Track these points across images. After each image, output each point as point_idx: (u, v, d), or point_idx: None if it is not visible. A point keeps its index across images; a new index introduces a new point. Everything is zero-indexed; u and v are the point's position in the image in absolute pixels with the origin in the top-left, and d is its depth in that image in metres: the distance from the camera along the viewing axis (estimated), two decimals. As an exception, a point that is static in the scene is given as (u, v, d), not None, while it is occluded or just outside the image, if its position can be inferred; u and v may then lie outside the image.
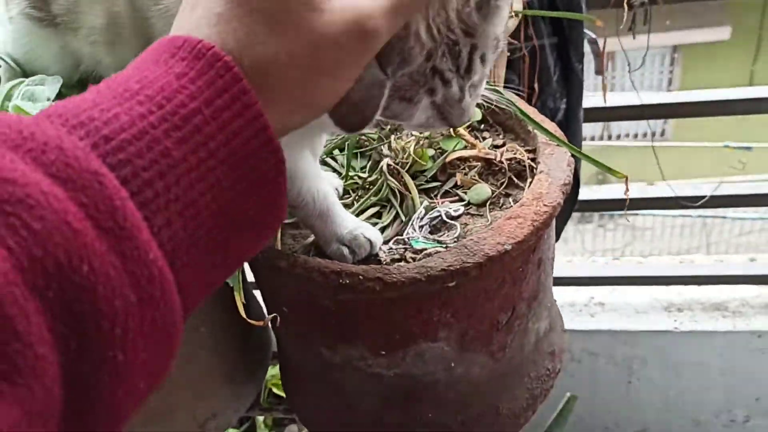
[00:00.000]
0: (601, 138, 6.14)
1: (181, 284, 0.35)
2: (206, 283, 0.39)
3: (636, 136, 6.82)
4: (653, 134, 6.44)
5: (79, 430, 0.32)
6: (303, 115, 0.42)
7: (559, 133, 0.80)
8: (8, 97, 0.71)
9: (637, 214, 4.86)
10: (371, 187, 0.83)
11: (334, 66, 0.40)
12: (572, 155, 0.78)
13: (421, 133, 0.85)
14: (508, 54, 1.09)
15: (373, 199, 0.82)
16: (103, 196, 0.32)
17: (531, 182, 0.77)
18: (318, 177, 0.71)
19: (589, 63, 1.32)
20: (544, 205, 0.70)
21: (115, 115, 0.34)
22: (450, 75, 0.52)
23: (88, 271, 0.30)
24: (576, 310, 1.57)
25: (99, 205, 0.31)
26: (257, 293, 0.91)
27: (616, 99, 1.38)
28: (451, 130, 0.85)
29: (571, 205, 1.30)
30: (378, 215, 0.81)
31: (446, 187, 0.82)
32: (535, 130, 0.82)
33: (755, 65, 6.68)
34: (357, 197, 0.83)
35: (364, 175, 0.85)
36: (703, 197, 1.35)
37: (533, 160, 0.81)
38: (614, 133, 6.73)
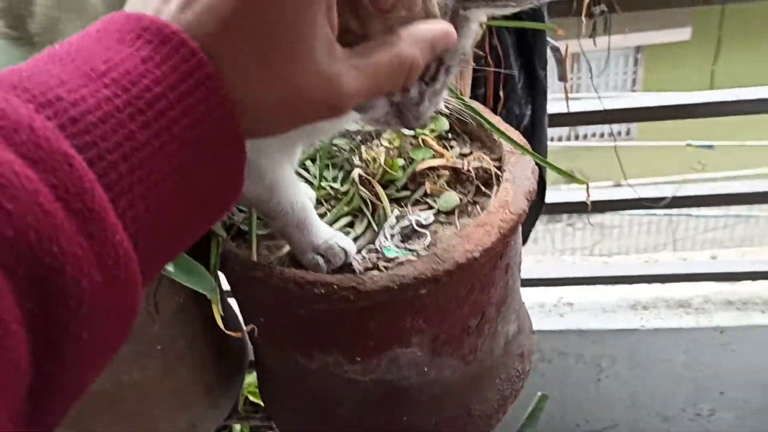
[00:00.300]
0: (569, 138, 6.23)
1: (141, 264, 0.36)
2: (162, 261, 0.40)
3: (603, 135, 6.92)
4: (618, 134, 6.55)
5: (39, 405, 0.33)
6: (270, 126, 0.43)
7: (523, 141, 0.83)
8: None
9: (603, 215, 4.95)
10: (343, 197, 0.85)
11: (303, 112, 0.42)
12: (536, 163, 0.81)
13: (380, 132, 0.88)
14: (474, 64, 1.11)
15: (346, 209, 0.84)
16: (73, 178, 0.32)
17: (497, 190, 0.80)
18: (296, 187, 0.73)
19: (552, 70, 1.35)
20: (510, 212, 0.73)
21: (82, 96, 0.34)
22: (411, 87, 0.54)
23: (57, 252, 0.31)
24: (545, 310, 1.60)
25: (69, 186, 0.32)
26: (232, 301, 0.93)
27: (580, 105, 1.41)
28: (421, 140, 0.87)
29: (537, 209, 1.33)
30: (350, 225, 0.83)
31: (416, 196, 0.84)
32: (500, 139, 0.85)
33: (715, 65, 6.83)
34: (330, 207, 0.85)
35: (336, 186, 0.87)
36: (666, 198, 1.39)
37: (499, 168, 0.84)
38: (581, 133, 6.84)
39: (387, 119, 0.57)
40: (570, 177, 0.77)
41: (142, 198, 0.35)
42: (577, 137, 6.67)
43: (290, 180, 0.72)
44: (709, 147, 3.93)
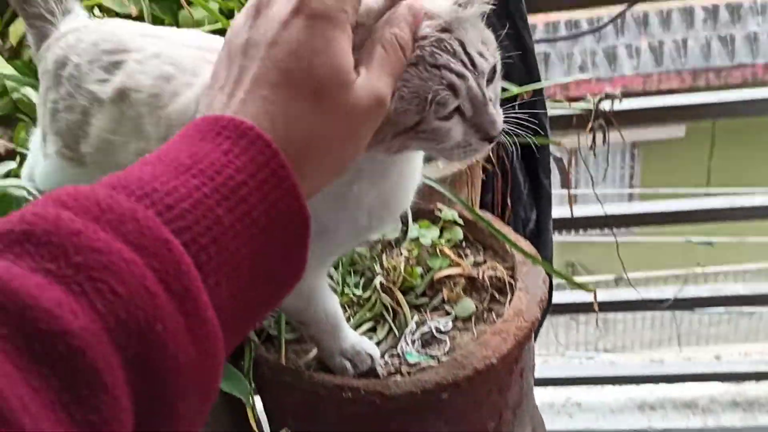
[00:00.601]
0: (570, 232, 6.31)
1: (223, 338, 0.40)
2: (237, 339, 0.44)
3: (604, 228, 7.00)
4: (620, 227, 6.64)
5: None
6: (330, 176, 0.50)
7: (533, 251, 0.90)
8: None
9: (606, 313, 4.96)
10: (365, 303, 0.91)
11: (360, 130, 0.49)
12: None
13: (399, 241, 0.94)
14: (483, 176, 1.19)
15: (368, 314, 0.89)
16: (173, 261, 0.37)
17: (511, 298, 0.86)
18: (330, 295, 0.78)
19: (556, 177, 1.44)
20: (524, 320, 0.79)
21: (174, 186, 0.39)
22: (456, 66, 0.54)
23: (161, 330, 0.35)
24: (555, 411, 1.62)
25: (169, 269, 0.36)
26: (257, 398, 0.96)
27: (583, 210, 1.48)
28: (438, 250, 0.93)
29: (545, 310, 1.38)
30: (373, 329, 0.88)
31: (434, 303, 0.90)
32: (512, 249, 0.91)
33: (711, 162, 7.00)
34: (353, 313, 0.91)
35: (359, 292, 0.93)
36: (668, 300, 1.44)
37: (512, 276, 0.90)
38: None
39: (467, 138, 0.58)
40: (579, 287, 0.83)
41: (226, 278, 0.40)
42: (578, 231, 6.77)
43: (325, 288, 0.77)
44: (709, 244, 4.01)
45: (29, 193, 0.88)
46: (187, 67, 0.72)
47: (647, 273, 5.26)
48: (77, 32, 0.82)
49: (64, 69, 0.79)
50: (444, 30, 0.55)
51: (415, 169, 0.70)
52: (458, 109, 0.56)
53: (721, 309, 4.69)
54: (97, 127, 0.77)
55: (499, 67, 0.59)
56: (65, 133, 0.80)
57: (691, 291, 1.52)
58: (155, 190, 0.39)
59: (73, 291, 0.34)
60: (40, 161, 0.87)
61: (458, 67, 0.54)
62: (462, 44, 0.55)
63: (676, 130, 6.99)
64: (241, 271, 0.41)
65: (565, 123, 1.39)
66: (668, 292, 1.50)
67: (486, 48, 0.57)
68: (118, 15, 1.20)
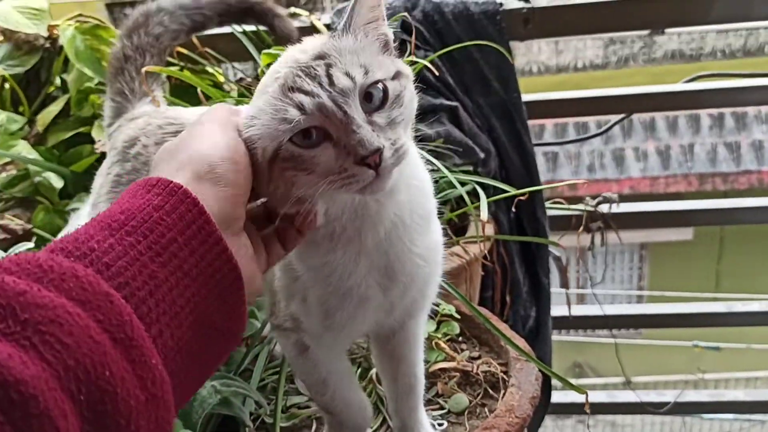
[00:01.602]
0: (575, 332, 6.25)
1: (172, 387, 0.43)
2: (188, 388, 0.48)
3: (611, 330, 6.91)
4: (626, 329, 6.57)
5: None
6: None
7: (527, 348, 0.91)
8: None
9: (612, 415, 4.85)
10: (364, 390, 0.92)
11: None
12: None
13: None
14: (482, 273, 1.23)
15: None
16: (115, 312, 0.40)
17: (504, 394, 0.87)
18: (352, 385, 0.79)
19: (555, 276, 1.46)
20: (516, 417, 0.80)
21: (110, 245, 0.43)
22: (308, 86, 0.55)
23: (109, 376, 0.38)
24: None
25: (112, 320, 0.40)
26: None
27: (583, 309, 1.50)
28: (434, 343, 0.96)
29: (543, 409, 1.38)
30: (367, 420, 0.89)
31: (429, 396, 0.91)
32: (507, 345, 0.93)
33: (719, 265, 7.00)
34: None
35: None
36: (668, 404, 1.44)
37: (505, 373, 0.91)
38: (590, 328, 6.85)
39: (341, 163, 0.55)
40: (572, 387, 0.84)
41: (167, 327, 0.44)
42: (585, 331, 6.70)
43: (346, 377, 0.78)
44: (716, 348, 3.97)
45: None
46: None
47: (655, 377, 5.17)
48: (147, 116, 0.90)
49: (132, 148, 0.87)
50: (318, 57, 0.57)
51: (415, 235, 0.68)
52: (327, 136, 0.55)
53: (729, 416, 4.59)
54: None
55: (393, 94, 0.58)
56: None
57: (692, 396, 1.51)
58: (92, 249, 0.43)
59: (22, 345, 0.37)
60: (87, 209, 0.93)
61: (310, 87, 0.55)
62: (328, 67, 0.56)
63: (684, 233, 7.02)
64: (182, 320, 0.45)
65: (564, 224, 1.43)
66: (669, 395, 1.49)
67: (362, 70, 0.56)
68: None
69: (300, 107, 0.54)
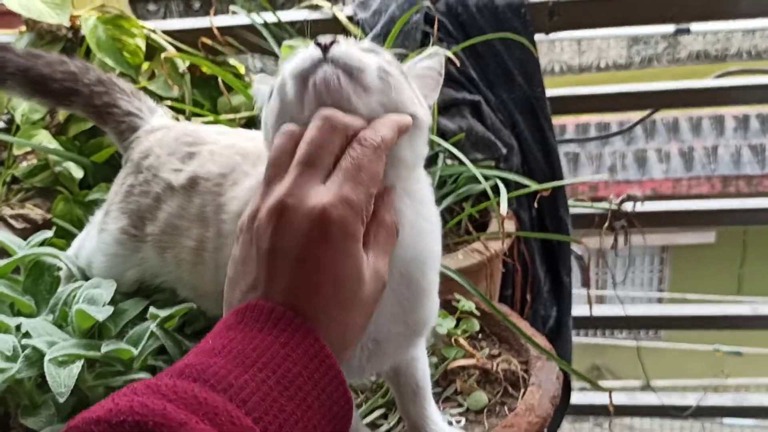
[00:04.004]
0: (595, 334, 6.20)
1: None
2: None
3: (631, 333, 6.87)
4: (646, 333, 6.52)
5: None
6: (351, 346, 0.57)
7: (548, 347, 0.90)
8: (66, 302, 0.82)
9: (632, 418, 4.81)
10: (378, 390, 0.91)
11: (369, 306, 0.56)
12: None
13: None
14: (503, 270, 1.21)
15: (381, 401, 0.89)
16: None
17: (524, 393, 0.85)
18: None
19: (577, 274, 1.44)
20: (536, 416, 0.78)
21: (246, 381, 0.47)
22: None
23: None
24: None
25: None
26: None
27: (604, 309, 1.48)
28: (453, 340, 0.94)
29: (562, 409, 1.36)
30: (384, 416, 0.88)
31: (447, 393, 0.90)
32: (527, 343, 0.91)
33: (742, 269, 6.91)
34: (365, 399, 0.91)
35: (372, 378, 0.93)
36: (690, 407, 1.41)
37: (526, 371, 0.90)
38: (608, 330, 6.81)
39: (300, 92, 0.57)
40: (592, 384, 0.83)
41: None
42: (604, 333, 6.65)
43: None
44: (738, 354, 3.91)
45: (75, 270, 0.92)
46: (251, 156, 0.77)
47: (674, 381, 5.12)
48: (165, 130, 0.91)
49: (146, 159, 0.88)
50: None
51: (405, 304, 0.66)
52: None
53: (750, 421, 4.53)
54: (166, 211, 0.83)
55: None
56: (134, 214, 0.87)
57: (714, 399, 1.48)
58: (231, 385, 0.47)
59: None
60: (91, 237, 0.93)
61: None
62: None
63: (706, 236, 6.95)
64: None
65: (587, 222, 1.41)
66: (691, 399, 1.46)
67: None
68: (161, 99, 1.27)
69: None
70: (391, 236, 0.58)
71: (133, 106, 0.96)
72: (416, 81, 0.65)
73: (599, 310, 1.46)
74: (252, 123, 1.29)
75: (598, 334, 6.23)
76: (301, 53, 0.58)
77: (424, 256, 0.66)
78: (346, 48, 0.57)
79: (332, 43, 0.57)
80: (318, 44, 0.57)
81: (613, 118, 6.04)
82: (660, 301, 7.20)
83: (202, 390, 0.45)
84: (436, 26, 1.18)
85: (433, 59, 0.69)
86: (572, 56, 6.66)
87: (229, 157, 0.79)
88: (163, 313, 0.79)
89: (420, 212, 0.65)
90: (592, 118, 6.17)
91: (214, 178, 0.79)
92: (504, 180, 1.09)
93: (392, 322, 0.66)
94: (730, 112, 6.30)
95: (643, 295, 7.03)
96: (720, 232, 6.90)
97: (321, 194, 0.53)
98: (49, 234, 0.95)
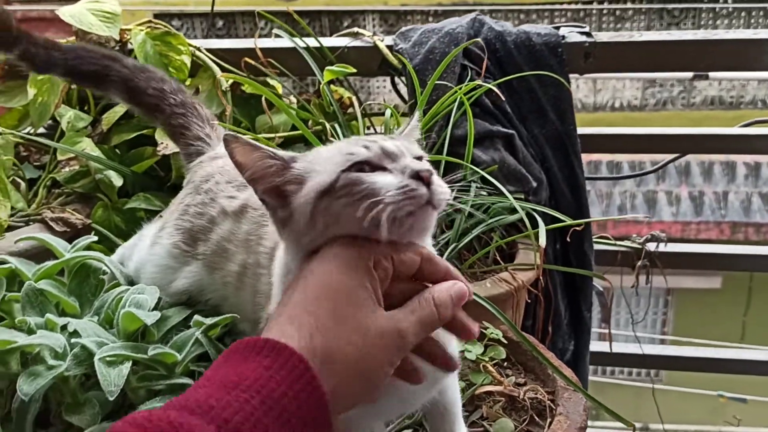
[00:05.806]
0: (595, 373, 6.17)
1: None
2: None
3: (630, 374, 6.84)
4: (647, 374, 6.48)
5: None
6: (360, 393, 0.57)
7: (575, 379, 0.91)
8: (112, 305, 0.84)
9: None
10: (406, 410, 0.93)
11: (379, 355, 0.57)
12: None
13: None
14: (527, 300, 1.23)
15: (407, 421, 0.91)
16: None
17: (551, 422, 0.87)
18: None
19: (596, 310, 1.46)
20: (564, 445, 0.80)
21: (228, 402, 0.48)
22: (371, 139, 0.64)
23: None
24: None
25: None
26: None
27: (620, 347, 1.49)
28: (481, 366, 0.96)
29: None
30: (412, 437, 0.90)
31: (473, 418, 0.91)
32: (554, 374, 0.93)
33: (746, 316, 6.88)
34: (393, 419, 0.92)
35: (400, 399, 0.95)
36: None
37: (552, 401, 0.91)
38: (604, 369, 6.77)
39: (400, 180, 0.60)
40: (618, 418, 0.84)
41: None
42: (603, 372, 6.61)
43: None
44: (742, 400, 3.90)
45: (118, 275, 0.95)
46: None
47: (676, 426, 5.08)
48: (228, 158, 0.95)
49: (206, 183, 0.94)
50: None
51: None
52: (383, 169, 0.61)
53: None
54: (218, 234, 0.89)
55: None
56: (187, 232, 0.92)
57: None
58: (212, 407, 0.48)
59: None
60: (142, 248, 0.98)
61: (373, 138, 0.65)
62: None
63: (712, 281, 6.93)
64: None
65: (609, 260, 1.43)
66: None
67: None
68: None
69: (366, 147, 0.62)
70: (430, 310, 0.61)
71: (204, 132, 1.03)
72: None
73: (597, 346, 1.47)
74: (289, 142, 1.32)
75: (599, 374, 6.20)
76: (399, 179, 0.61)
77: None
78: (438, 181, 0.62)
79: (431, 175, 0.61)
80: (420, 178, 0.60)
81: (625, 158, 6.07)
82: (662, 343, 7.17)
83: (179, 416, 0.47)
84: (473, 62, 1.21)
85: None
86: (587, 94, 6.72)
87: None
88: (208, 321, 0.82)
89: None
90: (604, 157, 6.20)
91: (261, 208, 0.83)
92: (532, 212, 1.12)
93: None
94: (742, 159, 6.33)
95: (645, 336, 7.00)
96: (726, 277, 6.89)
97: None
98: (93, 238, 0.97)
